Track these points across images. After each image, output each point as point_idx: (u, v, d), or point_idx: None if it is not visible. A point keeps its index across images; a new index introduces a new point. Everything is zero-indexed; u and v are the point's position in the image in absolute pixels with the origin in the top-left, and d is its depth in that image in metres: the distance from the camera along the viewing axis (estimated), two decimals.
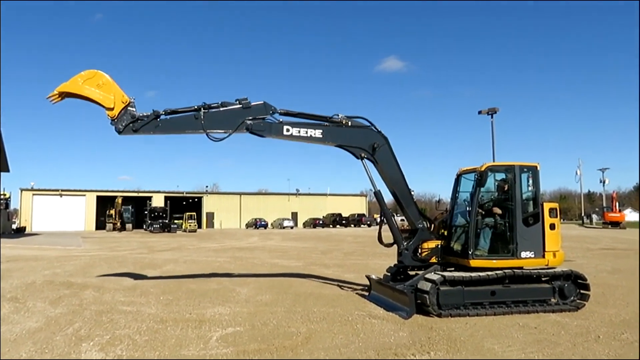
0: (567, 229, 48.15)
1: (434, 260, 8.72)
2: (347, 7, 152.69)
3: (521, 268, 8.07)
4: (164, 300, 9.18)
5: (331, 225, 65.97)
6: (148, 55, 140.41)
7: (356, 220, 67.41)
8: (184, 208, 67.44)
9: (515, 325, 7.05)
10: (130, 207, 60.37)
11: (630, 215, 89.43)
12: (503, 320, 7.36)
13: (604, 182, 67.04)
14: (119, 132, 8.57)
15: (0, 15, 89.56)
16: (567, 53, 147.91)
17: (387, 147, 9.08)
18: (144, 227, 57.04)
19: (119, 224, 56.18)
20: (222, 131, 8.76)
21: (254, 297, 9.57)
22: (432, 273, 8.12)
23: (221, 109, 8.79)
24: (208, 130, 8.66)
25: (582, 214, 73.20)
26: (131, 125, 8.56)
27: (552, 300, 8.13)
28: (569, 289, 8.14)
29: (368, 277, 9.84)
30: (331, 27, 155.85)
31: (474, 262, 8.04)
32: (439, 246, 8.80)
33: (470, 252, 8.08)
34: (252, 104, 8.85)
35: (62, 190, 63.67)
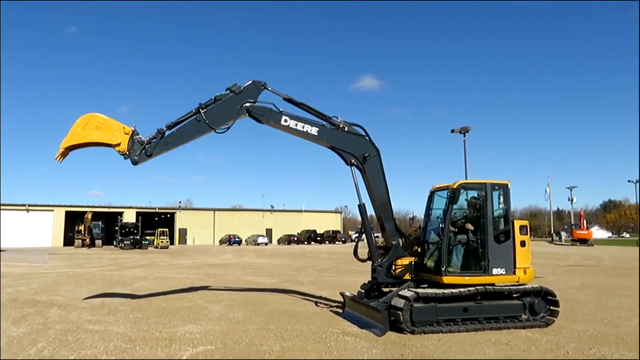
0: (537, 246, 49.07)
1: (407, 277, 8.74)
2: (325, 25, 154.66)
3: (492, 285, 8.16)
4: (133, 319, 8.94)
5: (306, 242, 65.65)
6: (121, 68, 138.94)
7: (331, 237, 67.31)
8: (156, 224, 66.24)
9: (487, 342, 7.10)
10: (100, 223, 58.84)
11: (597, 232, 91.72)
12: (475, 337, 7.41)
13: (572, 200, 68.80)
14: (135, 163, 8.53)
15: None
16: (538, 74, 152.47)
17: (377, 159, 9.11)
18: (114, 243, 55.72)
19: (88, 240, 54.63)
20: (228, 123, 8.87)
21: (226, 314, 9.41)
22: (406, 290, 8.14)
23: (216, 103, 8.82)
24: (214, 128, 8.78)
25: (552, 231, 74.74)
26: (144, 151, 8.53)
27: (523, 316, 8.23)
28: (539, 305, 8.26)
29: (342, 294, 9.79)
30: (308, 44, 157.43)
31: (446, 279, 8.09)
32: (413, 263, 8.83)
33: (443, 269, 8.13)
34: (242, 86, 8.92)
35: (29, 205, 61.81)
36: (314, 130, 8.96)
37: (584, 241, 54.76)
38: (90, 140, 8.42)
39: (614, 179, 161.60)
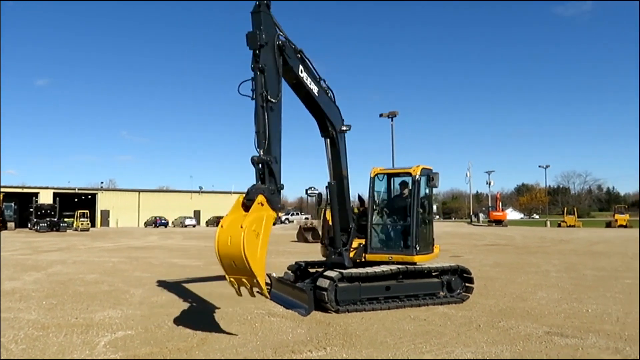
0: (457, 227, 51.74)
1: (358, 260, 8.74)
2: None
3: (414, 263, 8.53)
4: (47, 305, 8.47)
5: None
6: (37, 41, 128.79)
7: None
8: (76, 205, 62.89)
9: (407, 318, 7.42)
10: (12, 204, 54.94)
11: (511, 214, 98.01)
12: (396, 314, 7.71)
13: (489, 184, 72.96)
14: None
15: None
16: (461, 62, 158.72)
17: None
18: (29, 225, 52.38)
19: None
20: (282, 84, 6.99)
21: (148, 298, 9.16)
22: (330, 270, 8.29)
23: (258, 74, 6.58)
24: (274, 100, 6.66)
25: (471, 213, 78.99)
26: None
27: (441, 293, 8.67)
28: (455, 283, 8.74)
29: (268, 276, 9.80)
30: (241, 22, 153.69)
31: (417, 258, 8.47)
32: (361, 245, 8.91)
33: (417, 248, 8.47)
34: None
35: None
36: (315, 89, 7.96)
37: (499, 222, 58.46)
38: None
39: (528, 164, 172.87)
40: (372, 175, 9.29)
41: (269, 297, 7.00)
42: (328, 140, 8.76)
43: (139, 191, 72.48)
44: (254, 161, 6.34)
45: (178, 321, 7.21)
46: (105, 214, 68.29)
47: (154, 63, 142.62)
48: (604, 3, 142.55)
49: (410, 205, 8.68)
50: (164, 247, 24.72)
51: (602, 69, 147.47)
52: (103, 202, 68.41)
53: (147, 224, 65.48)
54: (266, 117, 6.47)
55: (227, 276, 5.88)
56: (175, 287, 10.41)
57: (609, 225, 53.05)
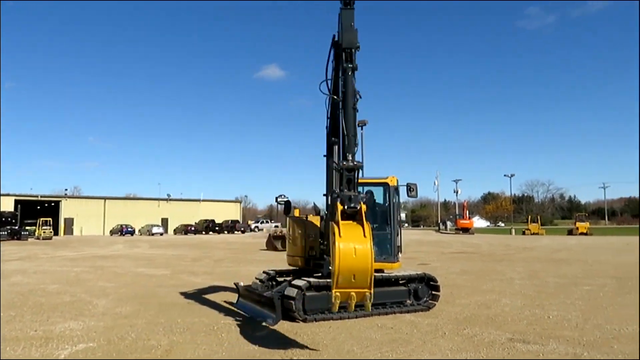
0: (425, 235, 52.43)
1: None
2: (230, 11, 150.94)
3: (382, 271, 8.61)
4: (5, 317, 8.17)
5: (204, 232, 64.20)
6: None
7: (230, 227, 66.40)
8: (38, 213, 60.93)
9: (374, 327, 7.46)
10: None
11: (477, 222, 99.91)
12: (364, 323, 7.75)
13: (457, 192, 74.33)
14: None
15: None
16: (431, 70, 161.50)
17: None
18: None
19: None
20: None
21: (112, 309, 8.95)
22: (299, 279, 8.28)
23: (350, 74, 6.82)
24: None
25: (439, 221, 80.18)
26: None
27: (408, 301, 8.76)
28: (422, 291, 8.84)
29: (236, 285, 9.73)
30: (212, 29, 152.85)
31: (397, 265, 8.78)
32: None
33: (398, 256, 8.79)
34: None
35: None
36: None
37: (466, 230, 59.50)
38: None
39: (494, 173, 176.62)
40: None
41: (369, 310, 6.55)
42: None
43: (105, 199, 70.85)
44: (348, 167, 6.06)
45: (142, 332, 7.06)
46: (69, 222, 66.42)
47: (123, 67, 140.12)
48: (568, 17, 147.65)
49: (389, 213, 8.94)
50: (129, 255, 24.19)
51: (565, 80, 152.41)
52: (67, 209, 66.55)
53: (112, 232, 63.98)
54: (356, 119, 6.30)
55: (335, 291, 5.50)
56: (140, 297, 10.21)
57: (570, 232, 54.73)
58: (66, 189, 75.81)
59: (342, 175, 6.09)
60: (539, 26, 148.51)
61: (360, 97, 7.00)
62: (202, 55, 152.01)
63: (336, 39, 7.49)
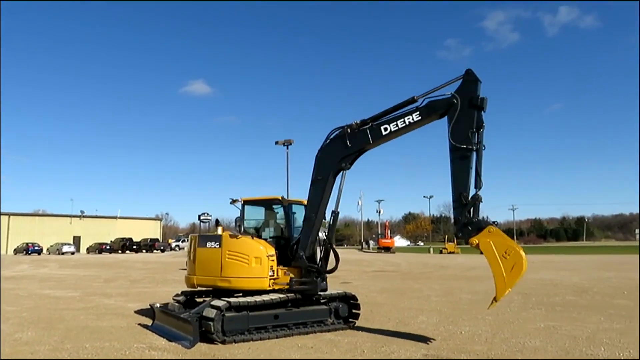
0: (349, 254, 53.17)
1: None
2: (156, 22, 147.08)
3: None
4: None
5: (120, 251, 60.97)
6: None
7: (149, 246, 63.70)
8: None
9: (295, 347, 7.41)
10: None
11: (398, 241, 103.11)
12: (284, 342, 7.67)
13: (379, 212, 76.38)
14: None
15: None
16: (354, 93, 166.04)
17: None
18: None
19: None
20: None
21: (11, 335, 8.22)
22: (218, 299, 8.07)
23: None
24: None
25: (362, 240, 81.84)
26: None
27: (329, 320, 8.79)
28: (343, 309, 8.91)
29: (152, 306, 9.30)
30: (134, 41, 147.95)
31: None
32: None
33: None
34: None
35: None
36: (415, 116, 7.86)
37: (387, 249, 61.26)
38: None
39: (414, 194, 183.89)
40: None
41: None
42: (345, 172, 8.64)
43: (10, 214, 65.49)
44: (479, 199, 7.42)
45: None
46: None
47: (38, 76, 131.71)
48: (482, 51, 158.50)
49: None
50: (35, 276, 22.45)
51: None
52: None
53: (17, 251, 59.00)
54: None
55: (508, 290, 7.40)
56: (44, 322, 9.47)
57: (441, 252, 57.89)
58: None
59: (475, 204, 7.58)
60: (456, 58, 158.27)
61: None
62: (124, 66, 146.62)
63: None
